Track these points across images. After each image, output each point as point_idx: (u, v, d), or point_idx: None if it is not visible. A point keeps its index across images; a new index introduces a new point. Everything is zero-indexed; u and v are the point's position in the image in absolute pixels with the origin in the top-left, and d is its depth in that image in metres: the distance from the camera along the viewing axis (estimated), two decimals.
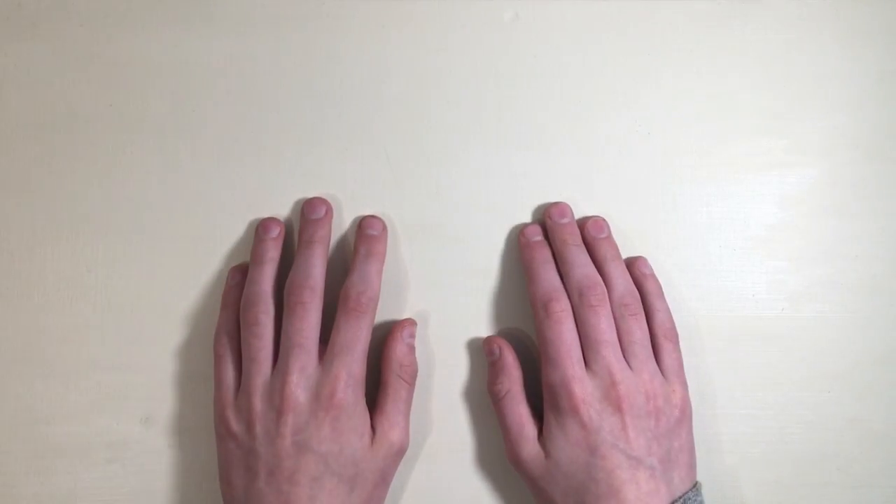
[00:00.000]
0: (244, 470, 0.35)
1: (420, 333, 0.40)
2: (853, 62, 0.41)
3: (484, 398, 0.40)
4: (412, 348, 0.39)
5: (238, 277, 0.39)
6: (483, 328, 0.40)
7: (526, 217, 0.40)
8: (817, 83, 0.41)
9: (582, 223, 0.40)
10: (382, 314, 0.40)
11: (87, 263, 0.40)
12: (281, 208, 0.40)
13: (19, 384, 0.39)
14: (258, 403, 0.35)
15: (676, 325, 0.40)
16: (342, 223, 0.40)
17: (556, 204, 0.40)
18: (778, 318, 0.40)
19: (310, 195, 0.40)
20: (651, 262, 0.40)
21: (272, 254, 0.38)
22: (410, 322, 0.39)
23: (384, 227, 0.39)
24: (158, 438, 0.39)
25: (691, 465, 0.37)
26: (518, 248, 0.40)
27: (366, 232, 0.39)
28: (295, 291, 0.36)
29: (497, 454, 0.40)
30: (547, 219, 0.39)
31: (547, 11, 0.41)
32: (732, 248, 0.41)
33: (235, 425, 0.36)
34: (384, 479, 0.37)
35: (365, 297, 0.37)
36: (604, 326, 0.36)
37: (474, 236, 0.40)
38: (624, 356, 0.37)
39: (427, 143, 0.40)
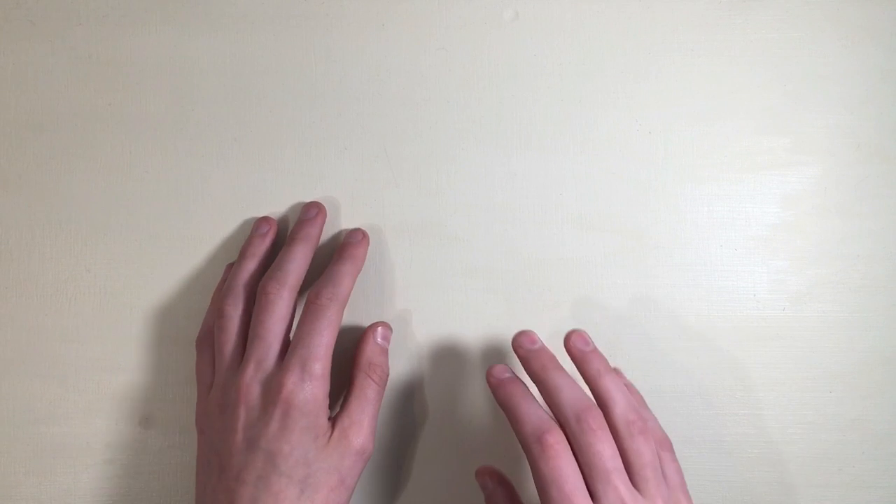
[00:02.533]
0: (206, 465, 0.35)
1: (419, 333, 0.40)
2: (854, 62, 0.41)
3: (481, 398, 0.40)
4: (384, 350, 0.38)
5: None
6: (483, 328, 0.40)
7: (526, 217, 0.40)
8: (818, 83, 0.41)
9: (566, 339, 0.36)
10: (382, 314, 0.40)
11: (86, 263, 0.39)
12: (280, 208, 0.40)
13: (19, 384, 0.39)
14: (219, 397, 0.35)
15: (678, 325, 0.39)
16: (342, 223, 0.40)
17: (522, 333, 0.36)
18: (779, 318, 0.40)
19: (309, 195, 0.40)
20: (651, 262, 0.40)
21: (254, 250, 0.38)
22: (385, 325, 0.39)
23: (364, 236, 0.39)
24: (157, 439, 0.39)
25: None
26: (490, 388, 0.36)
27: (346, 241, 0.39)
28: (264, 284, 0.36)
29: (492, 455, 0.39)
30: (517, 349, 0.36)
31: (547, 11, 0.41)
32: (733, 248, 0.41)
33: (202, 420, 0.35)
34: (342, 481, 0.34)
35: (327, 291, 0.35)
36: (609, 453, 0.32)
37: (474, 236, 0.40)
38: (632, 479, 0.33)
39: (427, 143, 0.40)
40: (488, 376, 0.36)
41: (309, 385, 0.34)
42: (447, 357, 0.40)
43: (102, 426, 0.39)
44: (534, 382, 0.35)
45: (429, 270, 0.40)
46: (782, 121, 0.41)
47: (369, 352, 0.37)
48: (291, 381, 0.34)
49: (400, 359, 0.40)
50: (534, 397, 0.35)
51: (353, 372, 0.37)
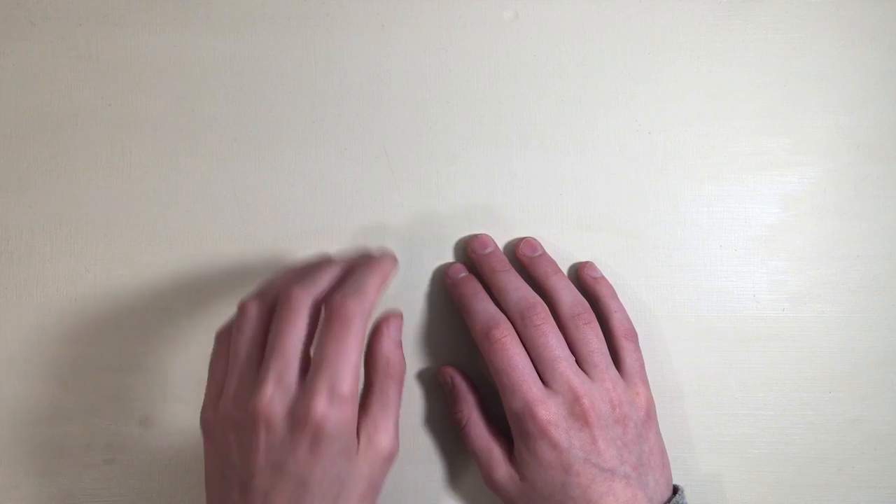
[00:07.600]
0: (221, 477, 0.32)
1: (420, 333, 0.40)
2: (853, 62, 0.41)
3: (482, 397, 0.40)
4: (399, 344, 0.34)
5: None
6: None
7: (526, 217, 0.40)
8: (818, 83, 0.41)
9: (515, 246, 0.39)
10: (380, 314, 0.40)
11: (86, 263, 0.39)
12: (280, 208, 0.40)
13: (19, 384, 0.39)
14: (232, 409, 0.32)
15: (678, 326, 0.39)
16: (342, 223, 0.40)
17: (475, 237, 0.39)
18: (779, 318, 0.40)
19: (309, 195, 0.40)
20: (651, 262, 0.40)
21: (325, 267, 0.34)
22: (396, 316, 0.35)
23: (394, 257, 0.35)
24: (157, 439, 0.39)
25: (664, 465, 0.36)
26: (447, 288, 0.39)
27: (373, 253, 0.36)
28: (295, 292, 0.32)
29: None
30: (470, 253, 0.39)
31: (547, 11, 0.41)
32: (733, 249, 0.41)
33: (211, 425, 0.33)
34: (372, 488, 0.33)
35: (354, 302, 0.31)
36: (553, 343, 0.35)
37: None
38: (582, 367, 0.36)
39: (427, 143, 0.40)
40: (445, 276, 0.39)
41: (339, 409, 0.31)
42: (448, 357, 0.40)
43: (102, 426, 0.39)
44: (486, 285, 0.38)
45: (428, 270, 0.40)
46: (782, 121, 0.41)
47: (385, 349, 0.34)
48: (321, 406, 0.30)
49: None
50: (486, 294, 0.38)
51: (370, 373, 0.34)
